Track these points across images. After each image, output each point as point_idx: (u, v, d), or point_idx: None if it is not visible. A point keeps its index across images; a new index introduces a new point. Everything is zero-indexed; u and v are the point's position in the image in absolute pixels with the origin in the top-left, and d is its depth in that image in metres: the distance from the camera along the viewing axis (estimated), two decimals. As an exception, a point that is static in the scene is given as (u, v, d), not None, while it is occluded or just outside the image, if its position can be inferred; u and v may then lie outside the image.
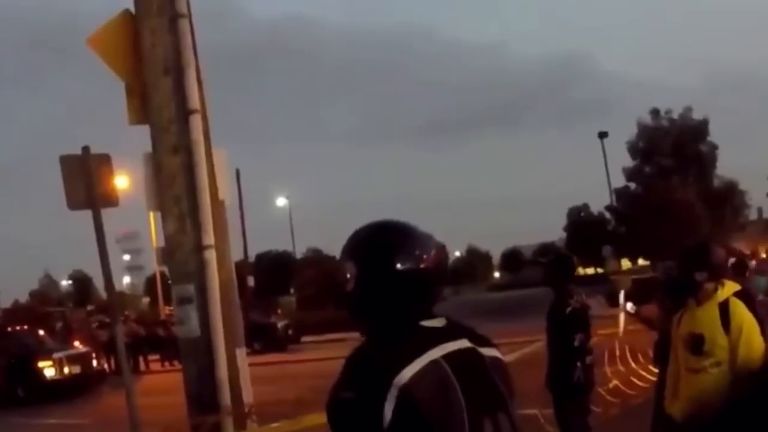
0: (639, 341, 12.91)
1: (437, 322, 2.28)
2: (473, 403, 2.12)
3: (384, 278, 2.25)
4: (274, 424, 6.89)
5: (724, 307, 5.07)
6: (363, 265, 2.28)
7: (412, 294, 2.27)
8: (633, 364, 13.06)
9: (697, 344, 5.12)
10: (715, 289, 5.14)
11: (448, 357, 2.15)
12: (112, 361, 26.41)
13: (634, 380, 12.44)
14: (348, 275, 2.29)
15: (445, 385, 2.11)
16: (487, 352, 2.29)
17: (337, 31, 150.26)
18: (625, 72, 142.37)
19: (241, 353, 6.49)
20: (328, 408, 2.17)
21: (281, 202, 65.79)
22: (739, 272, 9.01)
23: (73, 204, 7.90)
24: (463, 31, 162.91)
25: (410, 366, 2.09)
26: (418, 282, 2.27)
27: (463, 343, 2.23)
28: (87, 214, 7.93)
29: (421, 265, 2.27)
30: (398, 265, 2.25)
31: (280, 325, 36.79)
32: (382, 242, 2.30)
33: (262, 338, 31.96)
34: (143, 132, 6.61)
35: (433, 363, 2.12)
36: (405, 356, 2.12)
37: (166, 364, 31.23)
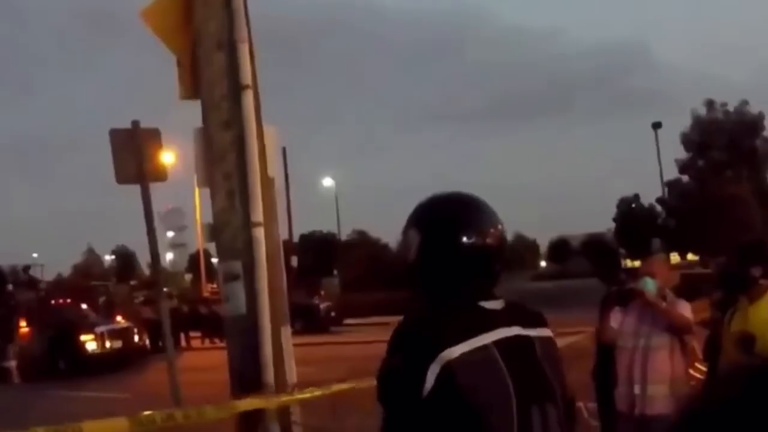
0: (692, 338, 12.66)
1: (496, 304, 2.24)
2: (522, 392, 2.10)
3: (448, 250, 2.22)
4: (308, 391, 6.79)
5: None
6: (427, 235, 2.24)
7: (474, 269, 2.23)
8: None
9: (748, 344, 4.96)
10: None
11: (499, 343, 2.13)
12: (150, 337, 26.64)
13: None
14: (411, 244, 2.26)
15: (493, 371, 2.09)
16: (539, 333, 2.27)
17: (393, 11, 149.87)
18: (683, 63, 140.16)
19: (286, 332, 6.44)
20: (378, 372, 2.17)
21: (328, 182, 65.76)
22: None
23: (122, 178, 7.92)
24: (521, 15, 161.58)
25: (461, 345, 2.07)
26: (481, 257, 2.24)
27: (516, 330, 2.20)
28: (131, 190, 7.95)
29: (487, 240, 2.24)
30: (463, 239, 2.22)
31: (323, 306, 36.90)
32: (449, 214, 2.26)
33: (304, 319, 32.10)
34: (192, 107, 6.59)
35: (485, 348, 2.10)
36: (458, 334, 2.10)
37: (207, 341, 31.53)
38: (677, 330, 6.00)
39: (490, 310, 2.22)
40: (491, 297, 2.26)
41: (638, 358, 5.98)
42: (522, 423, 2.09)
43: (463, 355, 2.05)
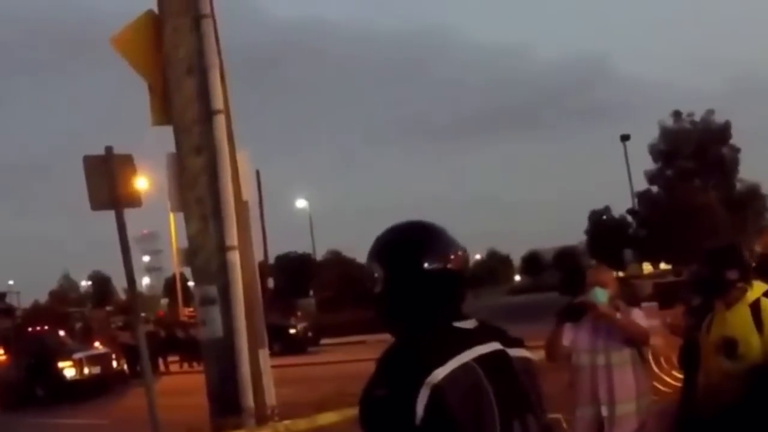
0: (662, 346, 12.79)
1: (469, 324, 2.27)
2: (504, 405, 2.13)
3: (412, 278, 2.25)
4: (287, 422, 6.84)
5: (756, 308, 4.95)
6: (390, 266, 2.27)
7: (440, 294, 2.26)
8: (656, 369, 12.93)
9: (731, 348, 5.01)
10: (745, 290, 5.03)
11: (479, 359, 2.15)
12: (128, 363, 26.45)
13: (657, 385, 12.32)
14: (375, 277, 2.29)
15: (477, 387, 2.11)
16: (516, 353, 2.29)
17: (357, 31, 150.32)
18: (647, 75, 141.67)
19: (264, 354, 6.47)
20: (360, 407, 2.16)
21: (301, 203, 65.67)
22: (764, 273, 8.90)
23: (96, 204, 7.90)
24: (483, 32, 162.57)
25: (443, 366, 2.09)
26: (446, 282, 2.27)
27: (494, 346, 2.23)
28: (107, 215, 7.92)
29: (448, 265, 2.27)
30: (426, 265, 2.24)
31: (299, 327, 36.76)
32: (409, 242, 2.29)
33: (281, 340, 31.94)
34: (165, 133, 6.62)
35: (466, 365, 2.12)
36: (438, 356, 2.12)
37: (185, 365, 31.31)
38: (635, 342, 5.59)
39: (464, 329, 2.25)
40: (462, 318, 2.29)
41: (602, 377, 5.52)
42: None
43: (447, 377, 2.08)
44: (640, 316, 5.70)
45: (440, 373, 2.07)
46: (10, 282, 58.59)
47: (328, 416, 6.43)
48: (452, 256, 2.28)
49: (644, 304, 14.27)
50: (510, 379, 2.21)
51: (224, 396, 6.14)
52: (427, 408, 2.05)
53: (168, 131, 6.56)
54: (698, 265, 6.07)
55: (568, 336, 5.64)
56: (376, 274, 2.29)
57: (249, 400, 6.06)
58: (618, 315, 5.53)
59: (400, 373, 2.12)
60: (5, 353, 24.55)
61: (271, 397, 6.45)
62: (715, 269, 5.21)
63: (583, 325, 5.62)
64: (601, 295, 5.43)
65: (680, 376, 10.52)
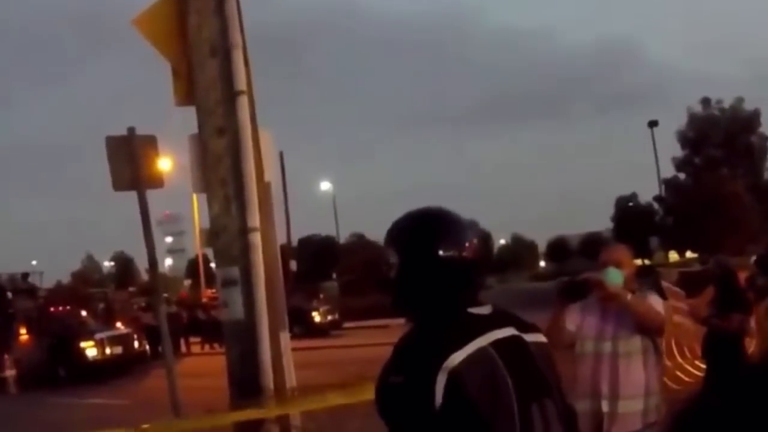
0: (685, 335, 12.69)
1: (484, 310, 2.30)
2: (521, 390, 2.14)
3: (426, 266, 2.27)
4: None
5: None
6: (405, 252, 2.30)
7: (454, 281, 2.28)
8: (679, 359, 12.83)
9: None
10: None
11: (495, 344, 2.18)
12: (150, 343, 26.62)
13: (680, 375, 12.22)
14: (391, 264, 2.31)
15: (494, 371, 2.13)
16: (532, 338, 2.32)
17: (387, 13, 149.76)
18: (676, 60, 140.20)
19: (284, 337, 6.45)
20: (377, 393, 2.19)
21: (325, 186, 65.84)
22: None
23: (118, 185, 7.92)
24: (512, 15, 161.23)
25: (460, 351, 2.11)
26: (460, 269, 2.29)
27: (510, 331, 2.25)
28: (130, 196, 7.95)
29: (463, 253, 2.29)
30: (440, 252, 2.26)
31: (322, 310, 36.90)
32: (424, 230, 2.31)
33: (304, 323, 32.08)
34: (188, 114, 6.60)
35: (482, 350, 2.14)
36: (454, 341, 2.14)
37: (206, 346, 31.50)
38: (648, 329, 4.89)
39: (480, 315, 2.27)
40: (477, 304, 2.30)
41: (605, 368, 4.85)
42: (523, 420, 2.13)
43: (464, 361, 2.09)
44: (657, 302, 4.99)
45: (457, 358, 2.09)
46: (34, 262, 59.14)
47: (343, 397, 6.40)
48: (467, 244, 2.30)
49: (671, 287, 14.14)
50: (526, 363, 2.22)
51: (244, 378, 6.14)
52: (446, 393, 2.06)
53: (190, 112, 6.54)
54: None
55: (573, 319, 4.97)
56: (391, 260, 2.31)
57: (269, 382, 6.05)
58: (629, 296, 4.82)
59: (417, 360, 2.14)
60: (28, 333, 24.83)
61: (291, 379, 6.44)
62: None
63: (592, 308, 5.00)
64: (614, 276, 4.77)
65: (703, 366, 10.44)
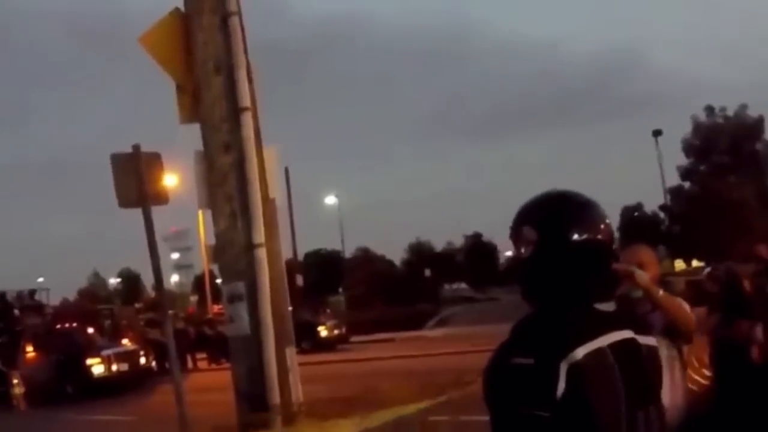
0: (692, 344, 12.64)
1: (608, 306, 2.29)
2: (631, 394, 2.14)
3: (562, 247, 2.26)
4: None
5: None
6: (544, 232, 2.27)
7: (587, 265, 2.27)
8: (688, 369, 12.77)
9: None
10: None
11: (613, 346, 2.16)
12: (157, 359, 26.62)
13: (689, 385, 12.17)
14: (527, 241, 2.28)
15: (611, 375, 2.12)
16: (644, 341, 2.30)
17: (391, 25, 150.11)
18: (680, 68, 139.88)
19: (290, 352, 6.46)
20: (492, 375, 2.18)
21: (330, 200, 65.87)
22: None
23: (124, 202, 7.95)
24: (517, 26, 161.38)
25: (582, 347, 2.10)
26: (594, 253, 2.28)
27: (628, 334, 2.24)
28: (136, 213, 7.97)
29: (598, 236, 2.29)
30: (575, 236, 2.26)
31: (329, 324, 36.86)
32: (562, 211, 2.31)
33: (310, 338, 32.06)
34: (193, 130, 6.64)
35: (601, 351, 2.13)
36: (580, 335, 2.13)
37: (213, 362, 31.47)
38: (677, 332, 4.56)
39: (604, 312, 2.26)
40: (604, 298, 2.29)
41: None
42: (629, 427, 2.13)
43: (586, 357, 2.09)
44: (687, 306, 4.62)
45: (580, 352, 2.09)
46: (40, 279, 59.19)
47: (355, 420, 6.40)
48: (601, 227, 2.31)
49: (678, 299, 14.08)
50: (638, 369, 2.21)
51: (251, 393, 6.15)
52: (567, 384, 2.06)
53: (195, 129, 6.58)
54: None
55: None
56: (527, 239, 2.28)
57: (275, 397, 6.06)
58: (661, 292, 4.47)
59: (545, 345, 2.13)
60: (35, 350, 24.84)
61: (298, 394, 6.45)
62: None
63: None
64: (640, 275, 4.46)
65: (709, 374, 10.39)
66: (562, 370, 2.06)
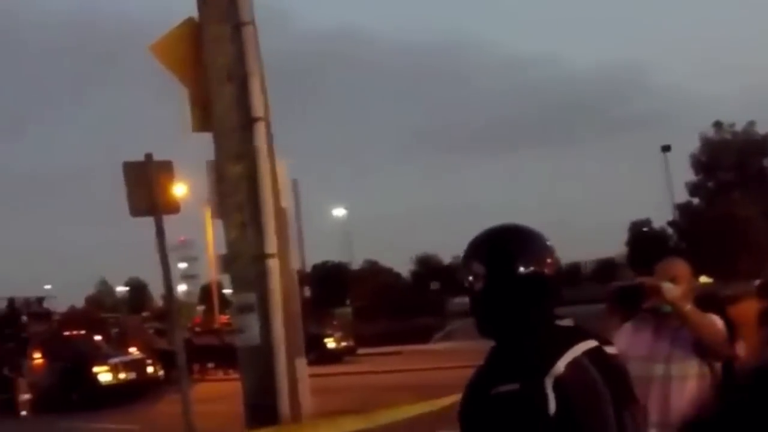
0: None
1: (568, 322, 2.37)
2: (614, 396, 2.21)
3: (510, 279, 2.31)
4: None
5: None
6: (489, 266, 2.33)
7: (534, 296, 2.33)
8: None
9: None
10: None
11: (587, 354, 2.24)
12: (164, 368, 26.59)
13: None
14: (477, 275, 2.35)
15: (594, 380, 2.19)
16: (610, 349, 2.38)
17: (392, 41, 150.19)
18: (687, 84, 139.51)
19: (301, 363, 6.43)
20: (477, 406, 2.23)
21: (338, 212, 65.90)
22: None
23: (136, 211, 7.96)
24: (517, 42, 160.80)
25: (561, 359, 2.17)
26: (540, 285, 2.34)
27: (594, 343, 2.31)
28: (144, 222, 7.97)
29: (545, 270, 2.35)
30: (521, 269, 2.32)
31: (336, 336, 36.80)
32: (509, 246, 2.37)
33: (317, 350, 32.00)
34: (205, 139, 6.63)
35: (578, 360, 2.20)
36: (555, 350, 2.19)
37: (221, 372, 31.42)
38: (708, 349, 4.23)
39: (568, 327, 2.34)
40: (558, 318, 2.36)
41: (656, 393, 4.22)
42: (619, 427, 2.19)
43: (567, 368, 2.15)
44: (719, 322, 4.31)
45: (561, 365, 2.15)
46: (48, 286, 59.28)
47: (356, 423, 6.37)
48: (548, 259, 2.37)
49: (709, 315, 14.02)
50: (613, 372, 2.28)
51: (260, 404, 6.12)
52: (557, 398, 2.12)
53: (206, 138, 6.57)
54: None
55: (622, 339, 4.28)
56: (477, 273, 2.35)
57: (285, 408, 6.03)
58: (689, 307, 4.24)
59: (526, 368, 2.18)
60: (41, 357, 24.83)
61: (307, 405, 6.41)
62: None
63: (642, 324, 4.43)
64: (669, 291, 4.26)
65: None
66: (549, 387, 2.11)
